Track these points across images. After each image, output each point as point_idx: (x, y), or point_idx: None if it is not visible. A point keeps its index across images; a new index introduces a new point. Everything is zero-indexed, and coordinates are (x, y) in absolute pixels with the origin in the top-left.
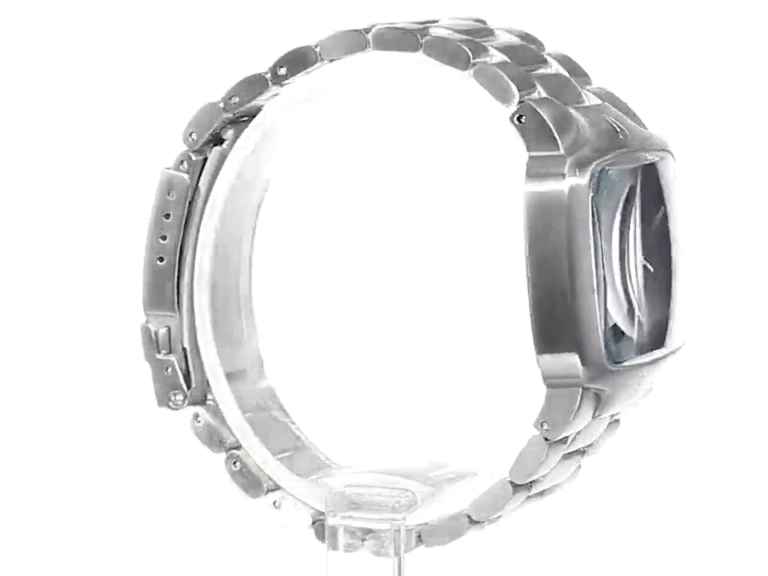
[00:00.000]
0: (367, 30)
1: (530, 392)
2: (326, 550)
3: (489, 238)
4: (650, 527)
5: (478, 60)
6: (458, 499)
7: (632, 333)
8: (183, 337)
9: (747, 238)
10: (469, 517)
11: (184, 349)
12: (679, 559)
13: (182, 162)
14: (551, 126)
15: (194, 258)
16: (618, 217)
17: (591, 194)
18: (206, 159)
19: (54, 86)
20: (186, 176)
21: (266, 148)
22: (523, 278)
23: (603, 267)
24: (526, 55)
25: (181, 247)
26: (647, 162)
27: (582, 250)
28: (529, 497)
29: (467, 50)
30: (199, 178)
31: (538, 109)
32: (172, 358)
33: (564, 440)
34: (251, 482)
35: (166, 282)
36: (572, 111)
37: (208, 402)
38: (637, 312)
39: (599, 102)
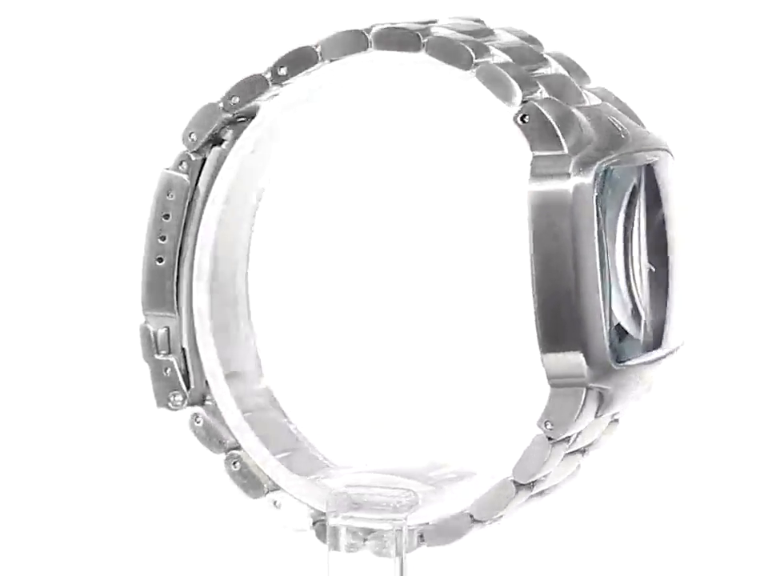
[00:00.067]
0: (368, 30)
1: (529, 392)
2: (328, 550)
3: (491, 238)
4: (649, 527)
5: (481, 60)
6: (460, 499)
7: (635, 332)
8: (182, 337)
9: (746, 237)
10: (471, 516)
11: (183, 349)
12: (679, 559)
13: (181, 162)
14: (555, 125)
15: (193, 259)
16: (622, 216)
17: (596, 194)
18: (204, 160)
19: (53, 87)
20: (185, 176)
21: (266, 148)
22: (524, 277)
23: (608, 266)
24: (527, 55)
25: (180, 247)
26: (649, 162)
27: (587, 249)
28: (530, 496)
29: (470, 49)
30: (198, 178)
31: (541, 108)
32: (171, 358)
33: (567, 439)
34: (251, 482)
35: (166, 282)
36: (574, 111)
37: (207, 403)
38: (641, 311)
39: (599, 101)
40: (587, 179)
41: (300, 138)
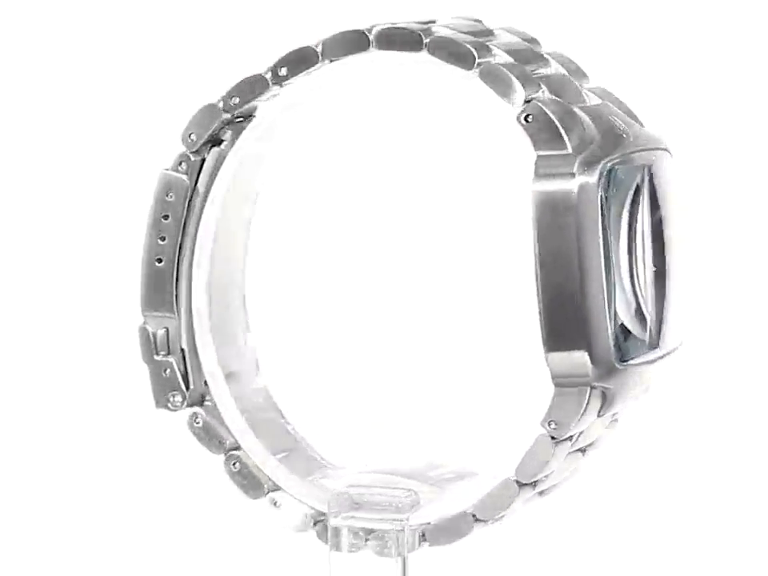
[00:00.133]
0: (369, 30)
1: (530, 391)
2: (329, 550)
3: (493, 237)
4: (648, 526)
5: (483, 60)
6: (461, 498)
7: (638, 331)
8: (181, 338)
9: (746, 237)
10: (473, 516)
11: (182, 350)
12: (678, 559)
13: (180, 162)
14: (558, 125)
15: (192, 259)
16: (626, 216)
17: (600, 193)
18: (204, 160)
19: (53, 87)
20: (184, 177)
21: (266, 149)
22: (525, 277)
23: (612, 265)
24: (527, 55)
25: (179, 248)
26: (650, 161)
27: (592, 249)
28: (532, 496)
29: (472, 49)
30: (198, 178)
31: (545, 108)
32: (171, 359)
33: (569, 438)
34: (251, 482)
35: (165, 282)
36: (577, 111)
37: (206, 403)
38: (644, 311)
39: (600, 101)
40: (592, 179)
41: (300, 138)
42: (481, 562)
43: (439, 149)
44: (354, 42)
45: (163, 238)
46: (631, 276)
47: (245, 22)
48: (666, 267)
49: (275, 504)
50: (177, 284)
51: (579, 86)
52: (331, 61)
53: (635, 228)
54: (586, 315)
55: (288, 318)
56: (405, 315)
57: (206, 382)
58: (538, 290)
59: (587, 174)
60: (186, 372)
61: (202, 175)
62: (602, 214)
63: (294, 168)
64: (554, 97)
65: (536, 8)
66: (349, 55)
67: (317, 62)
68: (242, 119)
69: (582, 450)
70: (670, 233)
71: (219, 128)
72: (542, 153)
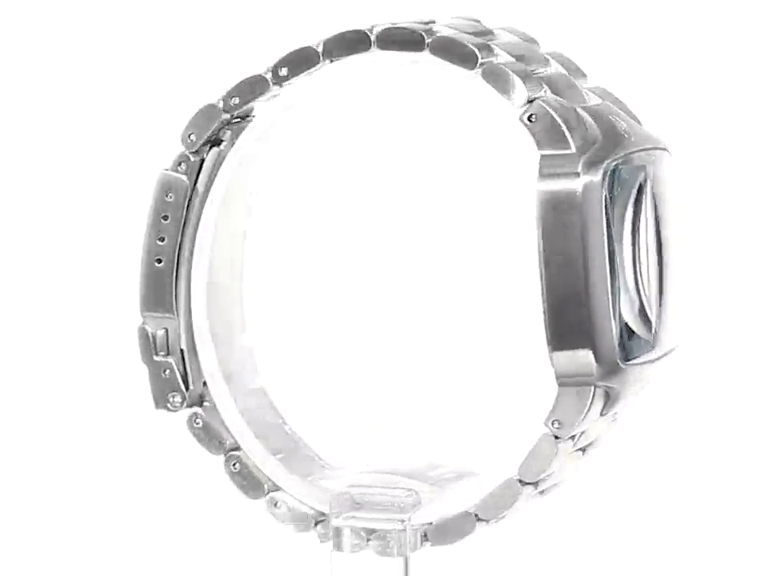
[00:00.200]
0: (371, 30)
1: (531, 391)
2: (331, 550)
3: (496, 236)
4: (647, 524)
5: (486, 59)
6: (462, 498)
7: (641, 331)
8: (181, 338)
9: (744, 237)
10: (476, 515)
11: (181, 350)
12: (678, 559)
13: (180, 163)
14: (562, 125)
15: (191, 259)
16: (629, 215)
17: (604, 193)
18: (203, 160)
19: (53, 88)
20: (184, 177)
21: (265, 149)
22: (526, 276)
23: (616, 265)
24: (528, 55)
25: (179, 248)
26: (651, 161)
27: (596, 248)
28: (534, 495)
29: (475, 49)
30: (197, 178)
31: (548, 108)
32: (170, 359)
33: (572, 438)
34: (251, 483)
35: (165, 283)
36: (579, 110)
37: (205, 404)
38: (647, 310)
39: (600, 100)
40: (596, 178)
41: (300, 138)
42: (481, 562)
43: (440, 149)
44: (355, 42)
45: (162, 239)
46: (635, 275)
47: (245, 22)
48: (665, 266)
49: (275, 504)
50: (176, 284)
51: (579, 85)
52: (332, 61)
53: (638, 228)
54: (591, 314)
55: (288, 319)
56: (406, 315)
57: (205, 383)
58: (542, 289)
59: (591, 174)
60: (186, 372)
61: (201, 175)
62: (605, 214)
63: (293, 168)
64: (556, 96)
65: (529, 8)
66: (350, 55)
67: (317, 62)
68: (241, 119)
69: (583, 450)
70: (670, 233)
71: (219, 128)
72: (545, 152)
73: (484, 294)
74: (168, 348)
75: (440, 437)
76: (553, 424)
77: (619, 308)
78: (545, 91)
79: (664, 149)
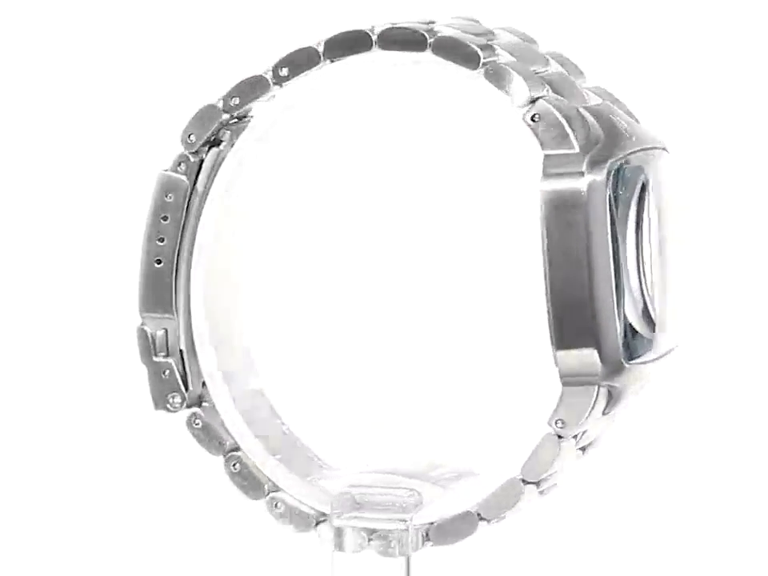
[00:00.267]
0: (372, 30)
1: (532, 390)
2: (332, 550)
3: (497, 236)
4: (647, 524)
5: (488, 59)
6: (465, 498)
7: (644, 330)
8: (180, 339)
9: (744, 236)
10: (478, 515)
11: (181, 351)
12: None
13: (179, 163)
14: (566, 124)
15: (190, 260)
16: (633, 215)
17: (608, 192)
18: (202, 161)
19: (52, 88)
20: (183, 178)
21: (265, 150)
22: (527, 276)
23: (621, 264)
24: (529, 55)
25: (178, 249)
26: (652, 161)
27: (601, 247)
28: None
29: (478, 49)
30: (196, 179)
31: (552, 108)
32: (170, 360)
33: (574, 437)
34: (251, 483)
35: (164, 283)
36: (581, 110)
37: (204, 404)
38: (650, 309)
39: (600, 100)
40: (600, 177)
41: (301, 139)
42: (482, 562)
43: (442, 149)
44: (356, 42)
45: (162, 239)
46: (638, 274)
47: (245, 22)
48: (666, 266)
49: (276, 505)
50: (176, 285)
51: (578, 85)
52: (332, 61)
53: (641, 227)
54: (596, 313)
55: (287, 319)
56: (408, 315)
57: (204, 383)
58: (546, 288)
59: (595, 173)
60: (185, 373)
61: (200, 176)
62: (610, 213)
63: (293, 169)
64: (558, 96)
65: (525, 8)
66: (351, 55)
67: (318, 62)
68: (241, 120)
69: (583, 449)
70: (669, 232)
71: (218, 129)
72: (549, 152)
73: (485, 293)
74: (168, 349)
75: (440, 436)
76: (556, 423)
77: (623, 307)
78: (547, 91)
79: (663, 148)
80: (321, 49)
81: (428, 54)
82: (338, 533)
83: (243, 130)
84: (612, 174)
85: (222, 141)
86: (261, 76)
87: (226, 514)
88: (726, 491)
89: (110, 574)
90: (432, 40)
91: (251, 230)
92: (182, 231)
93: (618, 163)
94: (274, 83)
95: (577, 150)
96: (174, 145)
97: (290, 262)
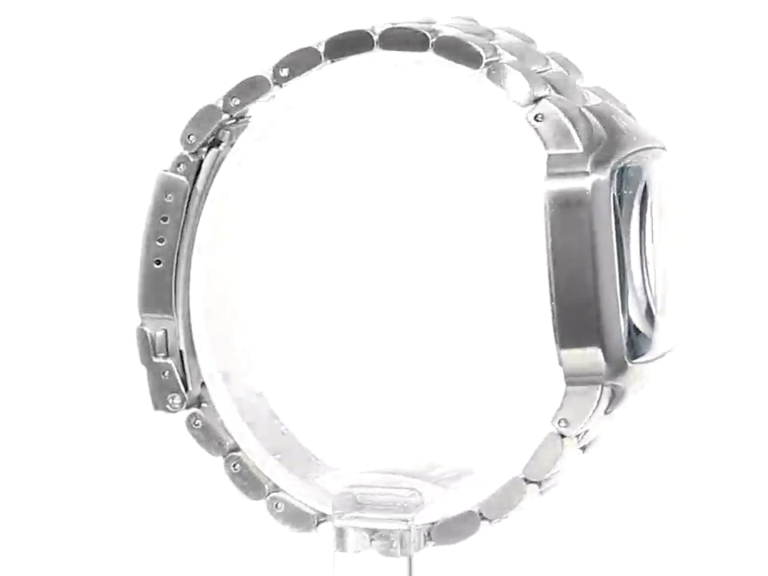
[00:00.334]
0: (373, 30)
1: (533, 390)
2: (334, 551)
3: (500, 236)
4: (647, 524)
5: (491, 59)
6: (467, 497)
7: (647, 329)
8: (180, 339)
9: (743, 235)
10: (480, 515)
11: (180, 351)
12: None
13: (179, 164)
14: (569, 124)
15: (190, 260)
16: (636, 215)
17: (612, 192)
18: (201, 161)
19: (52, 88)
20: (183, 178)
21: (265, 150)
22: (528, 275)
23: (625, 263)
24: (530, 55)
25: (178, 249)
26: (653, 160)
27: (605, 247)
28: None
29: (480, 49)
30: (196, 179)
31: (555, 107)
32: (170, 361)
33: (576, 437)
34: (251, 483)
35: (164, 284)
36: (584, 109)
37: (203, 405)
38: (653, 308)
39: (600, 100)
40: (604, 177)
41: (300, 139)
42: (483, 561)
43: (444, 149)
44: (357, 42)
45: (162, 240)
46: (642, 273)
47: (245, 22)
48: (666, 265)
49: (276, 505)
50: (175, 285)
51: (578, 85)
52: (333, 61)
53: (645, 226)
54: (600, 313)
55: (287, 319)
56: (412, 314)
57: (203, 384)
58: (550, 287)
59: (599, 173)
60: (185, 374)
61: (200, 176)
62: (614, 212)
63: (293, 169)
64: (561, 96)
65: (521, 8)
66: (352, 55)
67: (319, 63)
68: (240, 120)
69: (583, 448)
70: (669, 232)
71: (218, 129)
72: (553, 152)
73: (488, 293)
74: (167, 349)
75: (440, 436)
76: (560, 423)
77: (627, 306)
78: (549, 90)
79: (662, 148)
80: (321, 49)
81: (430, 54)
82: (340, 533)
83: (243, 130)
84: (616, 173)
85: (221, 141)
86: (261, 76)
87: (226, 515)
88: (726, 491)
89: (110, 575)
90: (434, 40)
91: (251, 231)
92: (182, 232)
93: (622, 163)
94: (275, 83)
95: (581, 149)
96: (173, 145)
97: (290, 263)
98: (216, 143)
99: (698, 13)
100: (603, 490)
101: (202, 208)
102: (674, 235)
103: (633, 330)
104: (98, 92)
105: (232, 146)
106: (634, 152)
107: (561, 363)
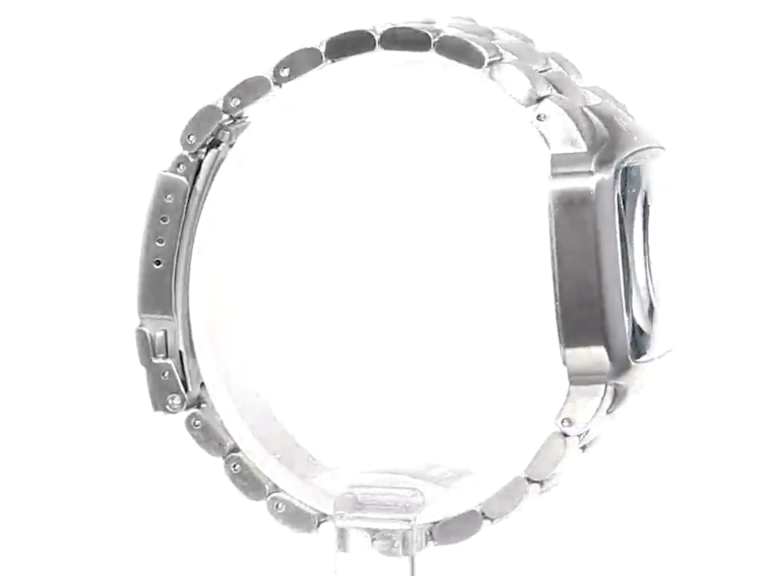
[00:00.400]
0: (375, 30)
1: (533, 389)
2: (335, 551)
3: (502, 236)
4: (648, 523)
5: (493, 59)
6: (469, 497)
7: (650, 328)
8: (179, 340)
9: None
10: (483, 514)
11: (180, 352)
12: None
13: (178, 164)
14: (573, 124)
15: (189, 260)
16: (639, 214)
17: (616, 191)
18: (201, 162)
19: (52, 88)
20: (183, 178)
21: (264, 151)
22: (528, 275)
23: (629, 263)
24: (530, 54)
25: (177, 250)
26: (653, 160)
27: (609, 246)
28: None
29: (482, 49)
30: (195, 180)
31: (558, 107)
32: (169, 361)
33: (578, 436)
34: (252, 484)
35: (163, 284)
36: (586, 109)
37: (203, 405)
38: (655, 308)
39: (599, 99)
40: (608, 176)
41: (301, 139)
42: (485, 561)
43: (446, 149)
44: (358, 42)
45: (161, 240)
46: (645, 272)
47: (245, 22)
48: (666, 265)
49: (277, 506)
50: (175, 286)
51: (577, 85)
52: (333, 61)
53: (648, 226)
54: (604, 312)
55: (286, 319)
56: (416, 314)
57: (203, 384)
58: (555, 287)
59: (603, 172)
60: (184, 374)
61: (200, 176)
62: (618, 212)
63: (293, 169)
64: (563, 96)
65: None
66: (353, 55)
67: (320, 63)
68: (240, 120)
69: (583, 448)
70: (670, 232)
71: (218, 129)
72: (557, 152)
73: (492, 293)
74: (167, 350)
75: (442, 435)
76: (563, 422)
77: (631, 305)
78: (551, 90)
79: (662, 147)
80: (322, 49)
81: (431, 54)
82: (341, 533)
83: (242, 130)
84: (620, 172)
85: (221, 141)
86: (262, 77)
87: (227, 516)
88: (726, 491)
89: (110, 575)
90: (436, 40)
91: (250, 231)
92: (182, 232)
93: (625, 162)
94: (275, 84)
95: (584, 149)
96: (173, 146)
97: (290, 263)
98: (215, 143)
99: (697, 13)
100: (603, 490)
101: (202, 208)
102: (673, 235)
103: (636, 330)
104: (97, 92)
105: (231, 146)
106: (635, 152)
107: (565, 362)
